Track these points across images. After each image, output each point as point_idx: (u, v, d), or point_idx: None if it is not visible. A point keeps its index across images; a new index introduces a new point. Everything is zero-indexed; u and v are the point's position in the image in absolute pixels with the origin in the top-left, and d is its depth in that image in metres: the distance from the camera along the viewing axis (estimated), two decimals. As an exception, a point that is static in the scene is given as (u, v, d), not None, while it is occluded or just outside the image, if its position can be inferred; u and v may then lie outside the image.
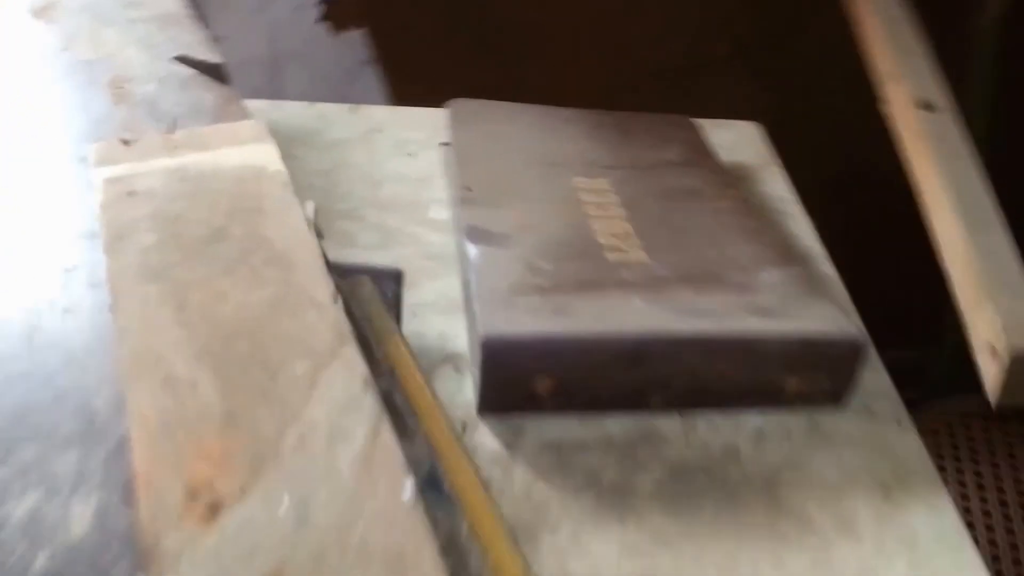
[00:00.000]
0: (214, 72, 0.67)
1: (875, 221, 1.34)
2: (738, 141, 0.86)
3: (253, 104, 0.87)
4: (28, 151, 0.58)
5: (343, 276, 0.58)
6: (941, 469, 1.25)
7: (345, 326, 0.41)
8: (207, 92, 0.65)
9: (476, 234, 0.60)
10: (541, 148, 0.72)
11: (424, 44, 1.41)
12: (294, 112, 0.88)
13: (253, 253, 0.44)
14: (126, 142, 0.51)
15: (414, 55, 1.43)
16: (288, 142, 0.81)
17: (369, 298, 0.54)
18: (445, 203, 0.74)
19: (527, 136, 0.73)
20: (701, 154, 0.74)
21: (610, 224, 0.63)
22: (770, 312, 0.53)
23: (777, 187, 0.79)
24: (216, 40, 1.55)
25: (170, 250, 0.44)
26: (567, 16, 1.32)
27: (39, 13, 0.71)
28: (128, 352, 0.39)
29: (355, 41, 1.53)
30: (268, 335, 0.40)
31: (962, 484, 1.25)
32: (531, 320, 0.51)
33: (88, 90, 0.63)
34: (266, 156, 0.50)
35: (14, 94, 0.63)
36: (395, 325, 0.53)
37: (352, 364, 0.39)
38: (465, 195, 0.65)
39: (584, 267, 0.57)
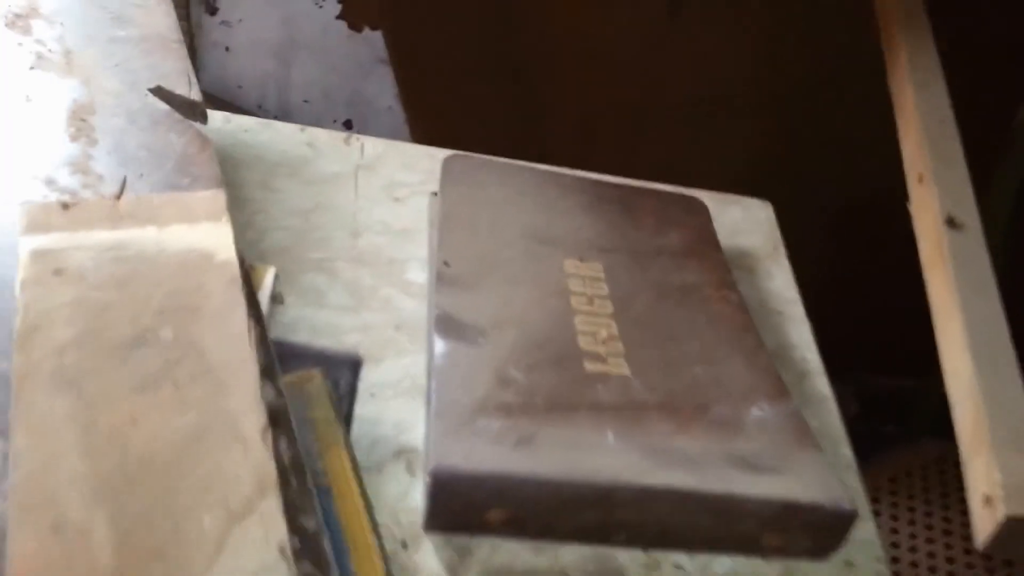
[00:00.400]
0: (190, 110, 0.62)
1: (885, 246, 1.30)
2: (746, 220, 0.82)
3: (245, 121, 0.83)
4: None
5: (296, 362, 0.54)
6: (910, 510, 1.21)
7: (270, 470, 0.37)
8: (178, 135, 0.60)
9: (446, 326, 0.55)
10: (534, 220, 0.67)
11: (441, 49, 1.36)
12: (285, 135, 0.83)
13: (180, 365, 0.40)
14: (65, 206, 0.47)
15: (430, 59, 1.38)
16: (273, 169, 0.77)
17: (317, 397, 0.50)
18: (425, 262, 0.70)
19: (521, 204, 0.69)
20: (705, 243, 0.69)
21: (595, 322, 0.58)
22: (755, 466, 0.49)
23: (781, 282, 0.75)
24: (229, 23, 1.51)
25: (88, 352, 0.40)
26: (590, 37, 1.28)
27: (13, 22, 0.66)
28: (21, 481, 0.35)
29: (372, 39, 1.49)
30: (180, 475, 0.36)
31: (928, 528, 1.22)
32: (489, 453, 0.47)
33: (47, 119, 0.58)
34: (218, 240, 0.46)
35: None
36: (341, 431, 0.49)
37: (270, 523, 0.35)
38: (442, 271, 0.60)
39: (559, 380, 0.52)
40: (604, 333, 0.57)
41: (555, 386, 0.52)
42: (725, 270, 0.66)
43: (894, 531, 1.21)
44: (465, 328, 0.55)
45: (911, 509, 1.24)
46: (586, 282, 0.62)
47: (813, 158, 1.30)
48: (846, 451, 0.60)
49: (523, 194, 0.69)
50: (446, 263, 0.60)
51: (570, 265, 0.63)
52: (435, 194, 0.73)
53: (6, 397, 0.40)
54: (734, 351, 0.58)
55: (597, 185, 0.73)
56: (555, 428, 0.49)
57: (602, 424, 0.50)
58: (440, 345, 0.54)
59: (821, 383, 0.65)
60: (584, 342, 0.56)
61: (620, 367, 0.55)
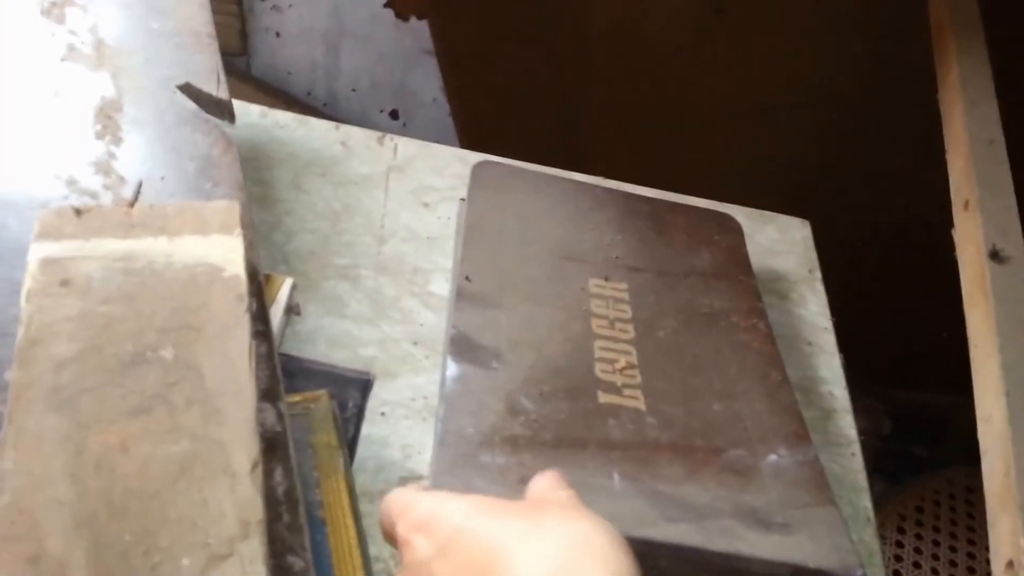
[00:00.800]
0: (217, 109, 0.61)
1: (925, 261, 1.27)
2: (782, 240, 0.79)
3: (281, 116, 0.82)
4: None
5: (305, 379, 0.53)
6: (935, 543, 1.18)
7: (256, 509, 0.36)
8: (203, 136, 0.59)
9: (461, 348, 0.54)
10: (562, 234, 0.65)
11: (485, 42, 1.35)
12: (319, 132, 0.82)
13: (177, 387, 0.39)
14: (78, 212, 0.46)
15: (474, 51, 1.37)
16: (305, 168, 0.76)
17: (321, 420, 0.49)
18: (449, 272, 0.68)
19: (550, 216, 0.67)
20: (737, 266, 0.67)
21: (614, 348, 0.57)
22: (765, 522, 0.47)
23: (814, 309, 0.72)
24: (280, 9, 1.50)
25: (87, 370, 0.39)
26: (633, 36, 1.26)
27: (49, 11, 0.65)
28: (3, 508, 0.34)
29: (419, 29, 1.48)
30: (164, 509, 0.35)
31: (953, 564, 1.19)
32: (490, 493, 0.45)
33: (74, 115, 0.58)
34: (228, 253, 0.45)
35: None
36: (342, 459, 0.48)
37: (249, 566, 0.34)
38: (463, 286, 0.59)
39: (571, 412, 0.51)
40: (622, 361, 0.56)
41: (566, 419, 0.51)
42: (755, 296, 0.64)
43: (916, 565, 1.17)
44: (481, 350, 0.54)
45: (936, 542, 1.20)
46: (609, 304, 0.60)
47: (852, 171, 1.27)
48: (865, 502, 0.58)
49: (553, 206, 0.68)
50: (467, 278, 0.59)
51: (595, 284, 0.61)
52: (464, 200, 0.71)
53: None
54: (757, 387, 0.56)
55: (629, 199, 0.71)
56: (560, 468, 0.47)
57: (610, 465, 0.48)
58: (453, 368, 0.53)
59: (846, 423, 0.63)
60: (601, 370, 0.55)
61: (635, 399, 0.53)
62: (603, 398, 0.53)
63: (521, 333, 0.56)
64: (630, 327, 0.59)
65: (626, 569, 0.33)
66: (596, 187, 0.73)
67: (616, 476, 0.48)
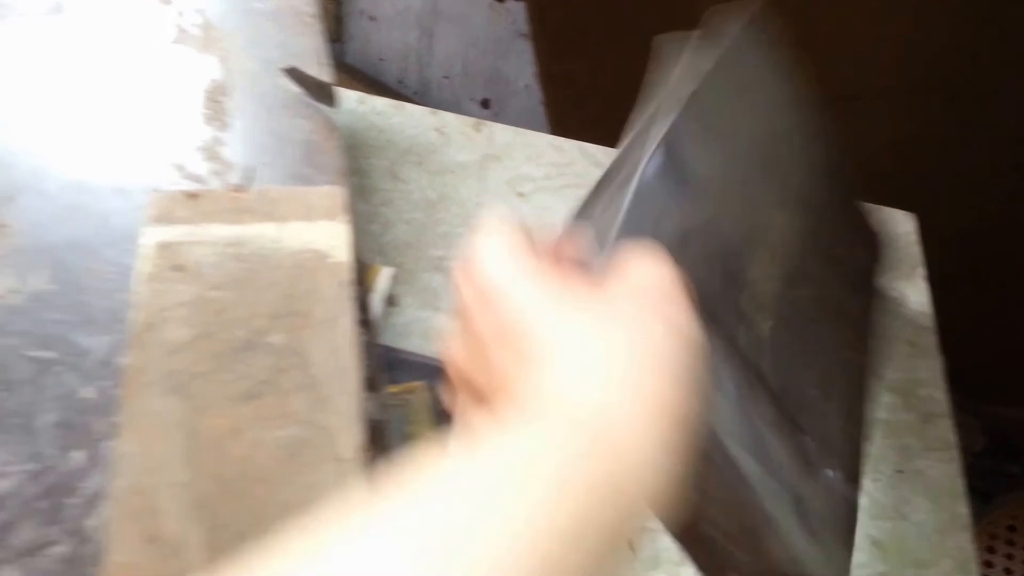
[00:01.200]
0: (320, 92, 0.62)
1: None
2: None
3: (378, 103, 0.83)
4: (95, 168, 0.54)
5: (403, 371, 0.54)
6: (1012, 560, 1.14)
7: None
8: (306, 120, 0.60)
9: (671, 152, 0.44)
10: (764, 150, 0.56)
11: (583, 24, 1.34)
12: (415, 118, 0.82)
13: (287, 373, 0.40)
14: (191, 196, 0.47)
15: (571, 34, 1.36)
16: (402, 156, 0.77)
17: (418, 411, 0.49)
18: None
19: (762, 123, 0.57)
20: (871, 279, 0.64)
21: (764, 280, 0.53)
22: (808, 522, 0.45)
23: (915, 307, 0.71)
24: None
25: (200, 355, 0.40)
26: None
27: (161, -6, 0.67)
28: (124, 488, 0.36)
29: (514, 11, 1.47)
30: (275, 492, 0.36)
31: None
32: None
33: (184, 99, 0.59)
34: (334, 239, 0.46)
35: (108, 89, 0.59)
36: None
37: (356, 552, 0.35)
38: (688, 112, 0.48)
39: (721, 300, 0.47)
40: (763, 299, 0.52)
41: (717, 298, 0.45)
42: (872, 322, 0.61)
43: (1007, 586, 1.13)
44: (684, 174, 0.45)
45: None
46: (771, 240, 0.56)
47: (957, 165, 1.23)
48: (962, 509, 0.56)
49: (770, 111, 0.58)
50: (693, 99, 0.48)
51: (772, 217, 0.56)
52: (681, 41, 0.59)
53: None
54: (841, 406, 0.54)
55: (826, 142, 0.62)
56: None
57: (735, 371, 0.46)
58: (659, 159, 0.43)
59: (945, 427, 0.61)
60: (746, 298, 0.51)
61: (761, 328, 0.50)
62: (742, 302, 0.49)
63: (713, 209, 0.48)
64: (779, 268, 0.54)
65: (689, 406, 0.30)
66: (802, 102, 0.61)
67: (740, 383, 0.45)
